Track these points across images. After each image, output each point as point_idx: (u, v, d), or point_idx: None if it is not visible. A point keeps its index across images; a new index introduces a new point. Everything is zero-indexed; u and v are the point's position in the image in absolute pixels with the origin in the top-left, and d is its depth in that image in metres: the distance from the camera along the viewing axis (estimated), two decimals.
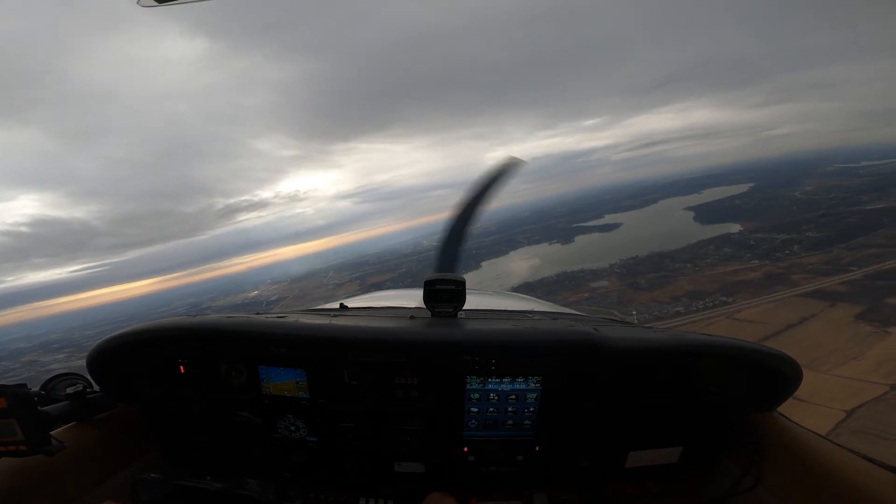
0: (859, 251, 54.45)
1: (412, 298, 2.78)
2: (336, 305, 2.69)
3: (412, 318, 1.91)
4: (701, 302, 48.66)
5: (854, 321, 34.34)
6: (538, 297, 4.70)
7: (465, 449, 1.75)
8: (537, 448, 1.73)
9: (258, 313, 1.89)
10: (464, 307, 1.88)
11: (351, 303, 2.79)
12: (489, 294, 4.34)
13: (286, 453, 1.81)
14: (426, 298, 1.84)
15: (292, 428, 1.76)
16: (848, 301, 39.27)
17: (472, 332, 1.65)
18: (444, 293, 1.82)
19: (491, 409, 1.67)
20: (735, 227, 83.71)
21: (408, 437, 1.73)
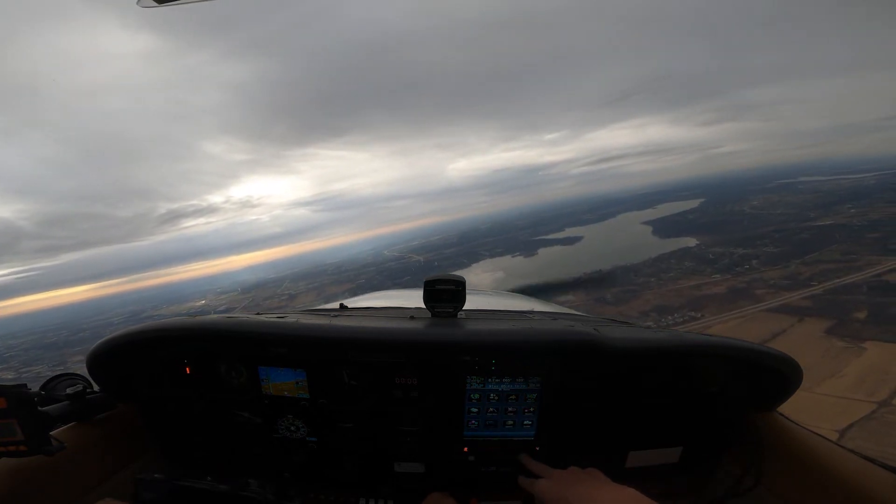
0: (816, 266, 56.23)
1: (412, 298, 2.77)
2: (336, 305, 2.63)
3: (412, 318, 1.87)
4: (670, 317, 48.60)
5: (825, 336, 34.37)
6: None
7: (465, 449, 1.73)
8: (537, 448, 1.71)
9: (258, 314, 1.85)
10: (464, 307, 1.86)
11: (351, 303, 2.78)
12: (489, 294, 4.20)
13: (286, 453, 1.79)
14: (426, 298, 1.81)
15: (292, 428, 1.74)
16: (815, 316, 39.80)
17: (472, 332, 1.61)
18: (445, 293, 1.80)
19: (491, 410, 1.66)
20: (692, 242, 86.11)
21: (408, 438, 1.71)
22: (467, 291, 1.82)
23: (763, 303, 46.55)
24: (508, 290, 5.19)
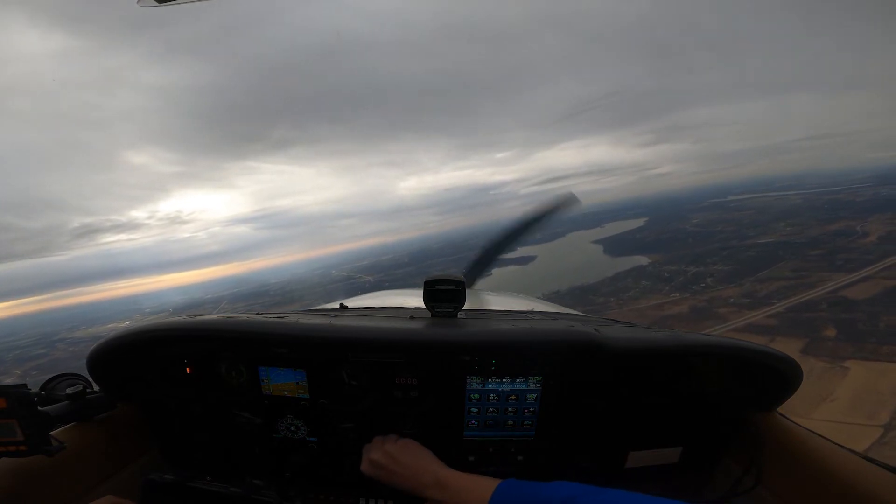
0: (769, 283, 57.13)
1: (412, 298, 2.80)
2: (336, 305, 2.64)
3: (412, 318, 1.88)
4: None
5: (803, 357, 33.66)
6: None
7: (466, 449, 1.73)
8: (537, 448, 1.71)
9: (258, 314, 1.85)
10: (464, 307, 1.86)
11: (351, 303, 2.77)
12: (489, 294, 4.20)
13: (286, 454, 1.78)
14: (426, 299, 1.81)
15: (292, 428, 1.74)
16: (785, 335, 39.47)
17: (471, 332, 1.62)
18: (444, 293, 1.79)
19: (491, 410, 1.65)
20: (644, 260, 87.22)
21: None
22: (467, 292, 1.81)
23: (729, 322, 46.28)
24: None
